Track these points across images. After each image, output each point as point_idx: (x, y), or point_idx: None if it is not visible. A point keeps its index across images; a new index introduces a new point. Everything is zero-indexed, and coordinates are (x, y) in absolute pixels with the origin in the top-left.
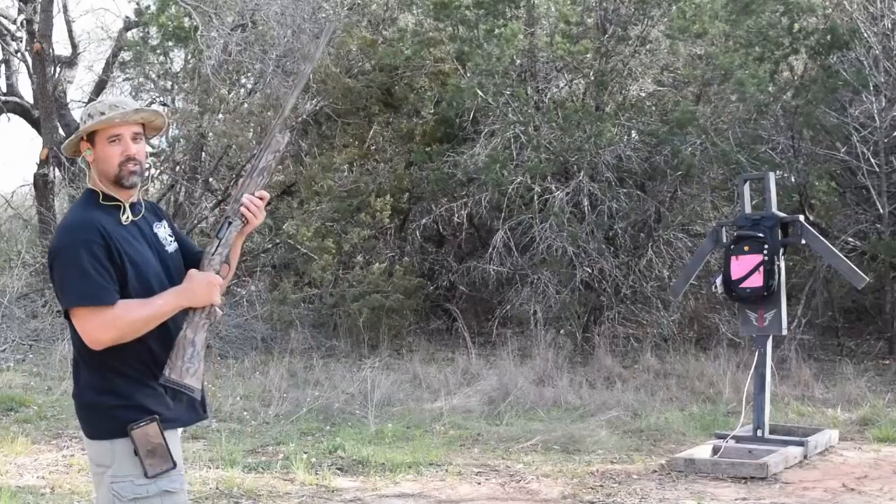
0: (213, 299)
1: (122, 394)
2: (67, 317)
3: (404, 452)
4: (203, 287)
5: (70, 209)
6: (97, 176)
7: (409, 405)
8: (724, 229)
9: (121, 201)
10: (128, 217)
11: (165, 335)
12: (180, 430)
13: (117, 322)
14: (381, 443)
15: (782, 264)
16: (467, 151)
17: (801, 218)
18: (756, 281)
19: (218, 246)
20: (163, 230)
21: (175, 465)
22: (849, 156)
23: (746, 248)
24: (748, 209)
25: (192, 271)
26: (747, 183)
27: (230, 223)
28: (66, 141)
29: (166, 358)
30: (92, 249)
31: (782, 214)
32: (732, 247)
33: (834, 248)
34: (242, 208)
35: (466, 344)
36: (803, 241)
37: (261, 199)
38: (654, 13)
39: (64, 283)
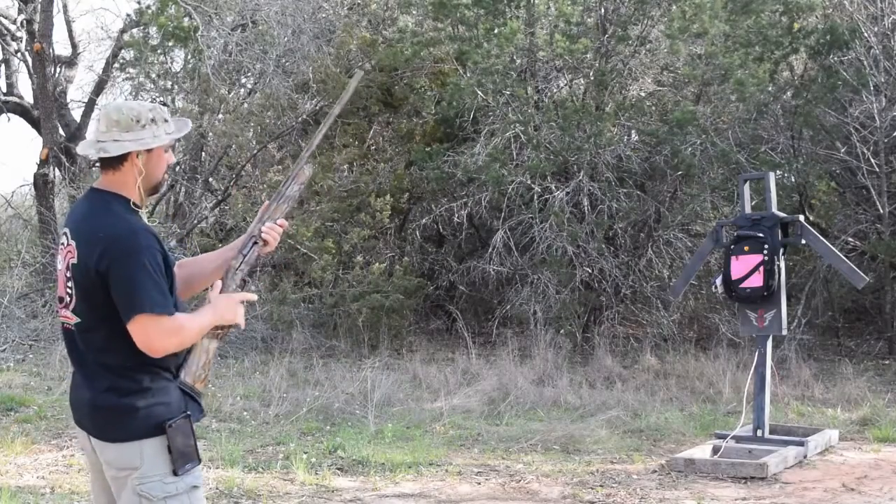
0: (238, 320)
1: (156, 394)
2: (104, 321)
3: (404, 452)
4: (232, 308)
5: (111, 214)
6: (140, 182)
7: (409, 405)
8: (724, 229)
9: (140, 208)
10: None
11: None
12: None
13: (182, 332)
14: (381, 443)
15: (782, 264)
16: (467, 151)
17: (801, 218)
18: (756, 281)
19: (241, 263)
20: None
21: (200, 460)
22: (849, 156)
23: (746, 249)
24: (748, 209)
25: (217, 294)
26: (747, 183)
27: (256, 243)
28: (129, 145)
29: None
30: (156, 257)
31: (782, 214)
32: (732, 247)
33: (834, 249)
34: (265, 229)
35: (466, 344)
36: (803, 242)
37: (280, 226)
38: (654, 13)
39: (132, 289)
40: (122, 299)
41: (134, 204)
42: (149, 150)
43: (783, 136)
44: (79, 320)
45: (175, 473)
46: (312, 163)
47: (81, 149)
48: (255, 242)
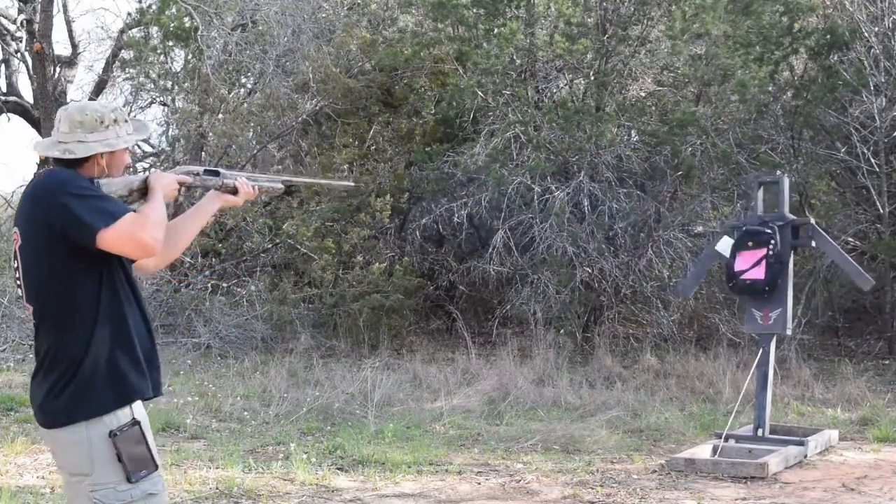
0: (174, 191)
1: (100, 386)
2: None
3: (404, 452)
4: (170, 179)
5: (46, 186)
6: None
7: (409, 405)
8: (734, 231)
9: None
10: None
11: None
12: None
13: (152, 216)
14: (381, 443)
15: (790, 264)
16: (467, 151)
17: (813, 220)
18: (757, 273)
19: (198, 174)
20: None
21: (157, 466)
22: (849, 156)
23: (750, 244)
24: (760, 211)
25: (157, 171)
26: (762, 188)
27: (223, 182)
28: (95, 146)
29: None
30: (98, 191)
31: (793, 217)
32: (739, 242)
33: (843, 252)
34: (240, 181)
35: (466, 344)
36: (813, 244)
37: (254, 190)
38: (655, 13)
39: (87, 212)
40: (83, 230)
41: None
42: (112, 152)
43: (783, 137)
44: (33, 308)
45: (129, 480)
46: (288, 185)
47: (41, 149)
48: (223, 181)
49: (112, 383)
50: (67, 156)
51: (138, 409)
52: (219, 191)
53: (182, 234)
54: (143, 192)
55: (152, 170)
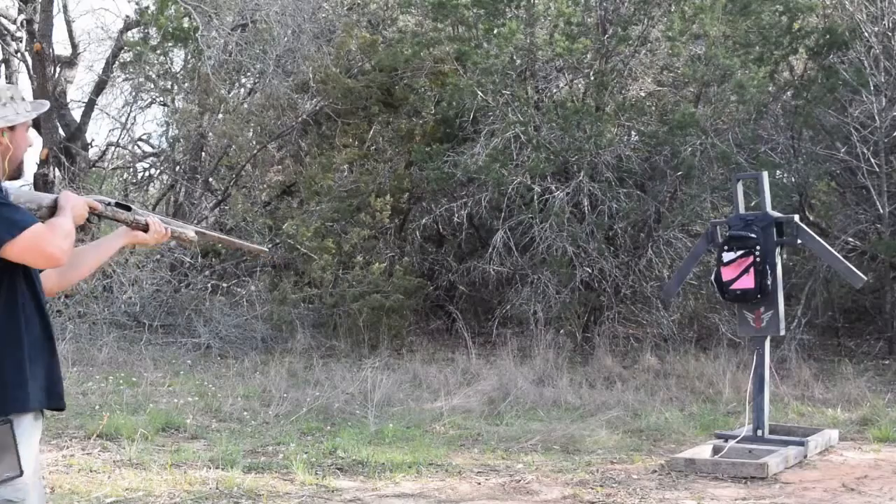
0: (89, 203)
1: None
2: None
3: (404, 452)
4: (79, 200)
5: None
6: (7, 160)
7: (409, 405)
8: (718, 229)
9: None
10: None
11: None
12: (38, 437)
13: (60, 228)
14: (381, 443)
15: (779, 265)
16: (467, 151)
17: (797, 218)
18: (747, 282)
19: (108, 205)
20: None
21: (21, 473)
22: (849, 156)
23: (736, 250)
24: (742, 209)
25: (67, 193)
26: (740, 182)
27: (134, 219)
28: None
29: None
30: (6, 197)
31: (777, 214)
32: (724, 247)
33: (831, 248)
34: (152, 220)
35: (466, 344)
36: (799, 242)
37: (165, 232)
38: (655, 13)
39: None
40: None
41: None
42: (12, 128)
43: (783, 137)
44: None
45: None
46: (201, 238)
47: None
48: (134, 217)
49: None
50: None
51: (25, 420)
52: (129, 227)
53: (84, 262)
54: (53, 210)
55: (64, 191)
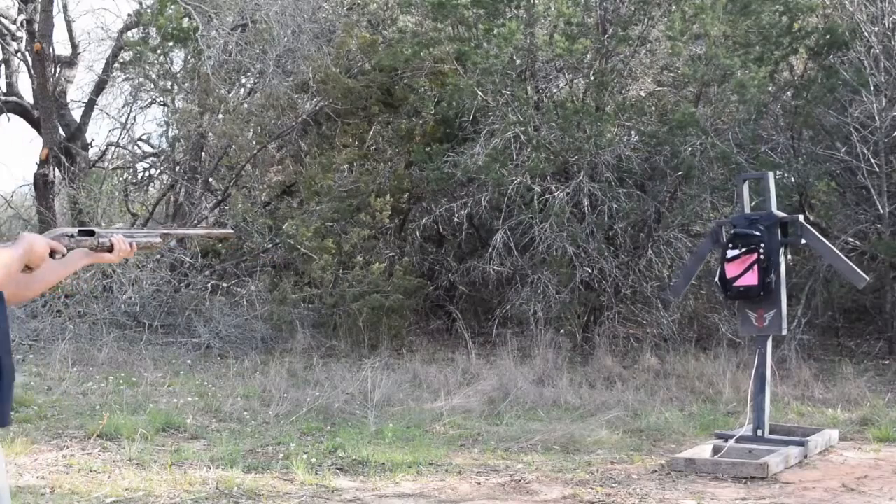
0: (57, 247)
1: None
2: None
3: (404, 452)
4: (40, 241)
5: None
6: None
7: (409, 405)
8: (723, 229)
9: None
10: None
11: None
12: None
13: (3, 261)
14: (381, 443)
15: (783, 264)
16: (467, 151)
17: (801, 218)
18: (750, 279)
19: (73, 237)
20: None
21: None
22: (849, 156)
23: (741, 247)
24: (747, 209)
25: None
26: (746, 182)
27: (98, 242)
28: None
29: None
30: None
31: (782, 214)
32: (729, 245)
33: (834, 248)
34: (116, 238)
35: (466, 344)
36: (803, 241)
37: (130, 248)
38: (655, 13)
39: None
40: None
41: None
42: None
43: (783, 137)
44: None
45: None
46: (167, 239)
47: None
48: (98, 241)
49: None
50: None
51: None
52: (93, 250)
53: (42, 279)
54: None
55: (25, 232)
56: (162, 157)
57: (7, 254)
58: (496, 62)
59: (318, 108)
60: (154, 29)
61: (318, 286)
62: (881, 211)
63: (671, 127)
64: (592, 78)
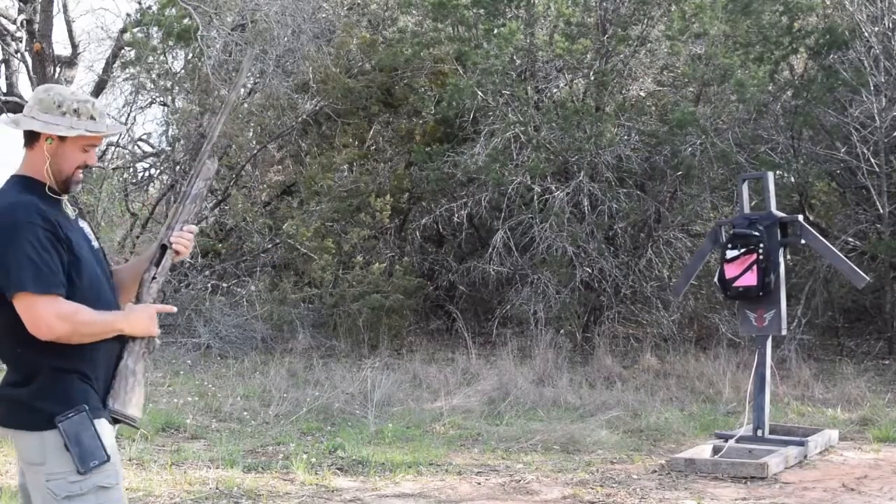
0: (153, 331)
1: (46, 389)
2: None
3: (404, 452)
4: (144, 319)
5: (3, 193)
6: (49, 168)
7: (409, 405)
8: (722, 229)
9: (61, 197)
10: (74, 211)
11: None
12: (115, 425)
13: (74, 318)
14: (381, 443)
15: (782, 264)
16: (467, 151)
17: (801, 218)
18: (749, 279)
19: (155, 274)
20: (87, 226)
21: (109, 458)
22: (849, 156)
23: (740, 248)
24: (747, 209)
25: (132, 305)
26: (746, 182)
27: (167, 252)
28: (37, 125)
29: (91, 350)
30: (37, 234)
31: (781, 214)
32: (728, 245)
33: (834, 248)
34: (174, 239)
35: (466, 344)
36: (803, 241)
37: (189, 232)
38: (655, 13)
39: (10, 267)
40: (3, 279)
41: (51, 189)
42: (62, 139)
43: (783, 137)
44: None
45: (80, 472)
46: (214, 156)
47: (3, 120)
48: (167, 250)
49: None
50: (12, 126)
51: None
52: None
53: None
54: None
55: (135, 305)
56: (162, 157)
57: (101, 325)
58: (496, 62)
59: (318, 108)
60: (154, 29)
61: (318, 286)
62: (881, 211)
63: (671, 127)
64: (592, 78)
